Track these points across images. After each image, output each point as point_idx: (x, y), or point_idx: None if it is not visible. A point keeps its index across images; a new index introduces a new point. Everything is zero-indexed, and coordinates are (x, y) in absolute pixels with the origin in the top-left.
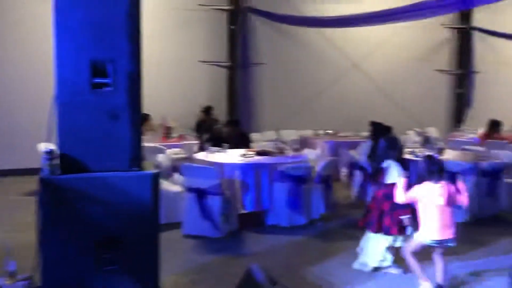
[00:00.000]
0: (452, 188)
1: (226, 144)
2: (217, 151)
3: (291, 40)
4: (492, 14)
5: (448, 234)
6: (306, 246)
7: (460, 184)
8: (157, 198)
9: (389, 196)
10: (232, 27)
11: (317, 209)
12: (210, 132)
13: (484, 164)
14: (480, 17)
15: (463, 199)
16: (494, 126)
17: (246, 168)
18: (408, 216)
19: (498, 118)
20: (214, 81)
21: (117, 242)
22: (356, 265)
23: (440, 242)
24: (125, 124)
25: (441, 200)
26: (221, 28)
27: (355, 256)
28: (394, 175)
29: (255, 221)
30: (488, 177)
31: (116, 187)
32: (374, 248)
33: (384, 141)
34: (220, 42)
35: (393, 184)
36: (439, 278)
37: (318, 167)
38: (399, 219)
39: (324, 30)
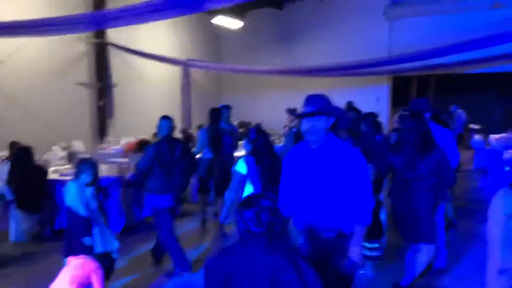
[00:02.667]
0: None
1: None
2: None
3: None
4: (126, 32)
5: None
6: None
7: None
8: None
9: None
10: None
11: None
12: None
13: (129, 175)
14: (115, 33)
15: None
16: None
17: None
18: (89, 236)
19: (138, 128)
20: None
21: None
22: None
23: None
24: None
25: None
26: None
27: None
28: (73, 197)
29: None
30: (133, 187)
31: None
32: None
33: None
34: None
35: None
36: None
37: None
38: (81, 241)
39: None
